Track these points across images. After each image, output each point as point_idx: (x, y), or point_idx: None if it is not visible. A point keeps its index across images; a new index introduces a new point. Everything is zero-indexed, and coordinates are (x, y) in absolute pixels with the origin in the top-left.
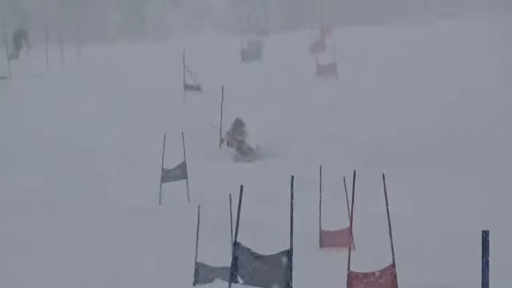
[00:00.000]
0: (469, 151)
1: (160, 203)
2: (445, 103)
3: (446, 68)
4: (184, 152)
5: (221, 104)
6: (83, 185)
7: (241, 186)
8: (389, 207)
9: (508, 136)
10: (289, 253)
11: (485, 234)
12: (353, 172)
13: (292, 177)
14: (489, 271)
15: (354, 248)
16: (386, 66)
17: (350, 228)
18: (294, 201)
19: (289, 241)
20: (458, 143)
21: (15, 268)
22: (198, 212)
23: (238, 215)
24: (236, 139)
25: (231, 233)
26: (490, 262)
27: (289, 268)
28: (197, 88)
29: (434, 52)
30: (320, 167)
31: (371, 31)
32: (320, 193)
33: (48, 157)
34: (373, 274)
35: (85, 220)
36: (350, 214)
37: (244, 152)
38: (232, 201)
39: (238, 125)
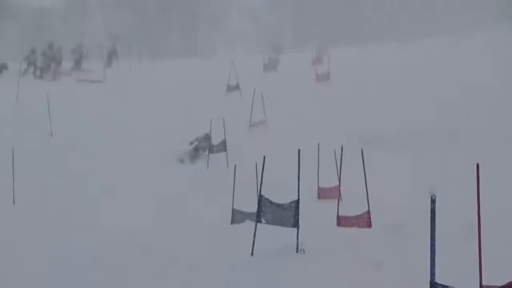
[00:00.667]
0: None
1: (207, 167)
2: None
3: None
4: (224, 133)
5: (252, 100)
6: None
7: (264, 157)
8: (367, 175)
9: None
10: (297, 202)
11: (433, 200)
12: (341, 147)
13: (299, 150)
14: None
15: (341, 200)
16: (374, 76)
17: (339, 186)
18: (300, 167)
19: (297, 194)
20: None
21: None
22: (234, 172)
23: (262, 176)
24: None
25: (257, 188)
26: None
27: (297, 212)
28: (236, 88)
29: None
30: (318, 144)
31: (364, 50)
32: (318, 162)
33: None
34: (354, 217)
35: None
36: (339, 176)
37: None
38: (257, 167)
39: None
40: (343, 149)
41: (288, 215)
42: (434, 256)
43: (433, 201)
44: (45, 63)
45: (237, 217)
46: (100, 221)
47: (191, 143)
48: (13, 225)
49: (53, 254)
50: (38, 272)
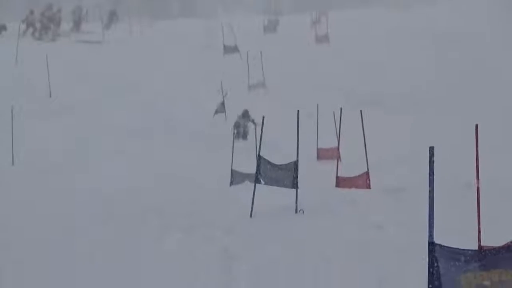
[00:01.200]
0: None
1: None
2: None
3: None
4: (223, 95)
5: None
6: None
7: (263, 117)
8: (366, 136)
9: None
10: (296, 163)
11: (431, 151)
12: (340, 108)
13: (298, 111)
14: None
15: (340, 160)
16: (373, 38)
17: (337, 147)
18: (299, 128)
19: (296, 155)
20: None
21: None
22: (233, 133)
23: (261, 137)
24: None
25: (256, 149)
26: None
27: (296, 173)
28: (236, 50)
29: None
30: (317, 105)
31: (363, 12)
32: (317, 123)
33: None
34: (353, 178)
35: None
36: (338, 137)
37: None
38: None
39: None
40: (342, 110)
41: (287, 176)
42: (433, 215)
43: (431, 153)
44: (44, 24)
45: (236, 178)
46: (100, 183)
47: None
48: (12, 186)
49: (52, 215)
50: (37, 234)
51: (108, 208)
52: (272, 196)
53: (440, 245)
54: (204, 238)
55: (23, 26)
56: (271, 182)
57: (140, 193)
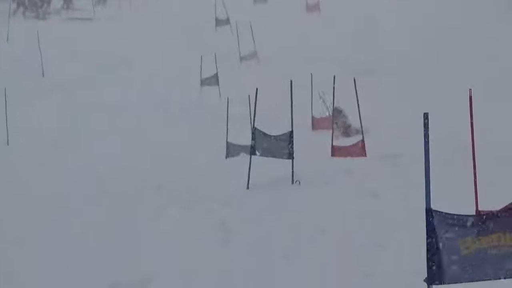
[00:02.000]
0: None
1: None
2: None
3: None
4: (216, 65)
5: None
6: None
7: (256, 89)
8: (361, 104)
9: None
10: (291, 133)
11: (426, 116)
12: (333, 77)
13: (291, 81)
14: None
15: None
16: (364, 7)
17: (332, 116)
18: (292, 98)
19: (291, 125)
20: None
21: None
22: (227, 105)
23: (255, 109)
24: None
25: (250, 121)
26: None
27: (291, 143)
28: (227, 23)
29: None
30: (311, 74)
31: None
32: (312, 92)
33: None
34: (349, 146)
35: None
36: (332, 106)
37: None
38: (250, 100)
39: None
40: (336, 78)
41: (282, 146)
42: (429, 181)
43: (426, 118)
44: (34, 2)
45: (231, 150)
46: (94, 160)
47: None
48: (7, 166)
49: (48, 194)
50: (32, 213)
51: (103, 186)
52: (268, 167)
53: (437, 211)
54: (201, 212)
55: (13, 5)
56: (267, 153)
57: (135, 171)
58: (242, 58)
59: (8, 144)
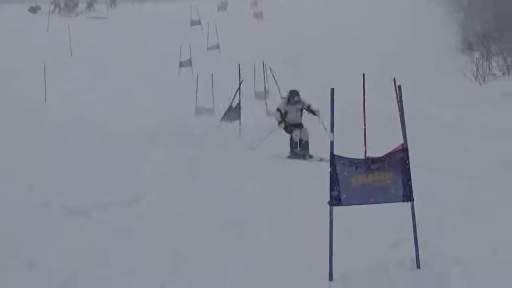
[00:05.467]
0: None
1: (179, 77)
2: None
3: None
4: (190, 53)
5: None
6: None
7: (212, 74)
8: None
9: None
10: (239, 104)
11: (332, 91)
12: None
13: (239, 64)
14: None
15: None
16: (297, 15)
17: (266, 89)
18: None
19: (239, 97)
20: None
21: None
22: (197, 80)
23: (212, 85)
24: None
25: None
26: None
27: (239, 109)
28: (199, 23)
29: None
30: (254, 64)
31: None
32: (254, 74)
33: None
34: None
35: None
36: (265, 83)
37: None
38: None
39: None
40: (270, 65)
41: (235, 112)
42: (333, 133)
43: (332, 93)
44: (66, 5)
45: (198, 111)
46: (101, 113)
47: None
48: (44, 117)
49: (70, 135)
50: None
51: (105, 131)
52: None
53: (338, 156)
54: (177, 151)
55: (52, 7)
56: (229, 118)
57: (132, 122)
58: (208, 48)
59: (46, 101)
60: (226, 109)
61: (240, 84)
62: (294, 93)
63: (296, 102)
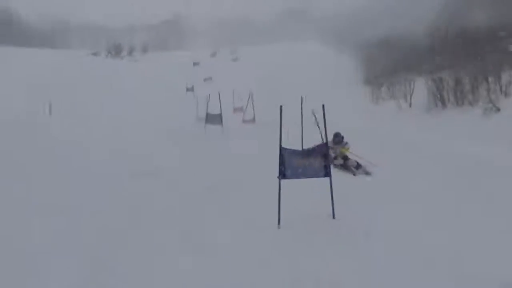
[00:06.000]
0: None
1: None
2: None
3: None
4: (192, 83)
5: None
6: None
7: (209, 94)
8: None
9: None
10: (220, 115)
11: (281, 108)
12: (232, 91)
13: (219, 92)
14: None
15: (245, 112)
16: (264, 61)
17: (243, 108)
18: (221, 100)
19: (220, 110)
20: None
21: None
22: (197, 100)
23: (207, 103)
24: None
25: (206, 108)
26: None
27: (221, 118)
28: (198, 64)
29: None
30: (233, 90)
31: (260, 48)
32: (233, 97)
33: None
34: (249, 119)
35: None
36: (244, 104)
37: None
38: (208, 98)
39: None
40: (244, 91)
41: (218, 119)
42: (281, 133)
43: (280, 109)
44: (114, 52)
45: (197, 119)
46: (124, 114)
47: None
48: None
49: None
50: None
51: (123, 130)
52: (214, 127)
53: (285, 148)
54: (185, 144)
55: (105, 52)
56: (213, 123)
57: (149, 122)
58: (205, 80)
59: (50, 114)
60: (206, 116)
61: (220, 101)
62: (338, 134)
63: (338, 142)
